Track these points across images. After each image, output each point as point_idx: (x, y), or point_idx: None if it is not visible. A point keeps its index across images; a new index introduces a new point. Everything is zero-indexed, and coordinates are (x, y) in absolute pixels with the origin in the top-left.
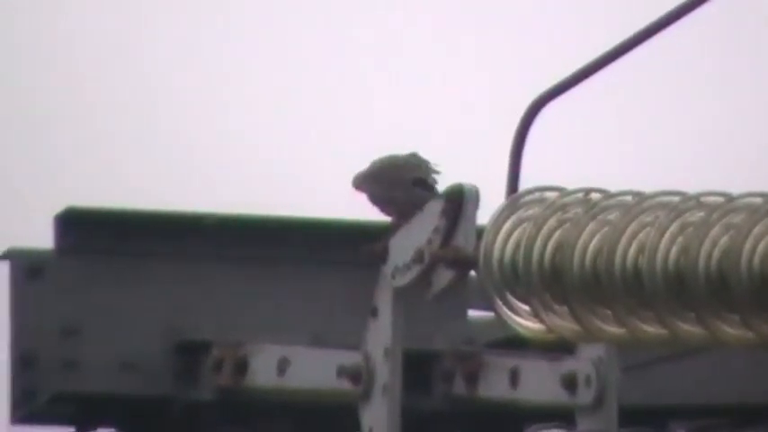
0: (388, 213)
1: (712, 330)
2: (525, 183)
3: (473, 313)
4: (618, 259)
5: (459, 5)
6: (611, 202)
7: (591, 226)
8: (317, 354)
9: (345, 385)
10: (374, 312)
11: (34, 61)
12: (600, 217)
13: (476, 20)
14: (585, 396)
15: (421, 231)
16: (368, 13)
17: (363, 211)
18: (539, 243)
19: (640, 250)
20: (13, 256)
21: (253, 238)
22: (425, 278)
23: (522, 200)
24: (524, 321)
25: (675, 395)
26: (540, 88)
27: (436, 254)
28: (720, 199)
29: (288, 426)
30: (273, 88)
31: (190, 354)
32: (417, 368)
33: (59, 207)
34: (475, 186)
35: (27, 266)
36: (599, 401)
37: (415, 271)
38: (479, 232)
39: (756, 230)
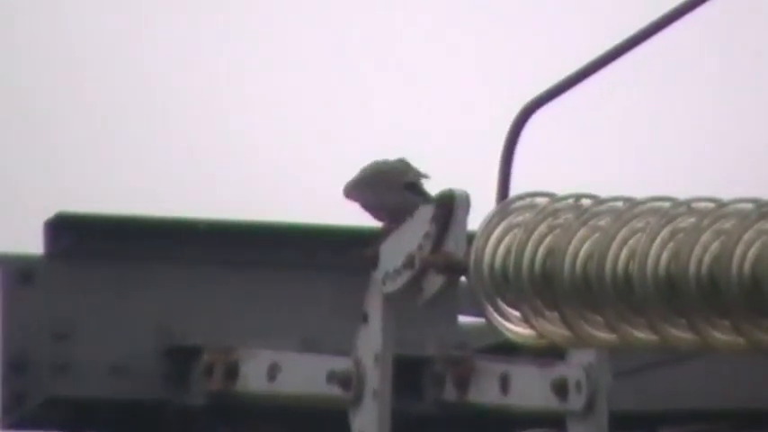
0: (380, 219)
1: (703, 336)
2: (516, 189)
3: (464, 319)
4: (609, 265)
5: (448, 14)
6: (602, 207)
7: (582, 232)
8: (308, 359)
9: (336, 391)
10: (365, 318)
11: (28, 64)
12: (591, 223)
13: (465, 26)
14: (576, 402)
15: (411, 237)
16: (357, 19)
17: (354, 216)
18: (529, 249)
19: (631, 256)
20: (4, 262)
21: (244, 243)
22: (416, 284)
23: (513, 206)
24: (515, 327)
25: (666, 401)
26: (530, 94)
27: (427, 259)
28: (711, 205)
29: (278, 431)
30: (268, 93)
31: (181, 358)
32: (408, 374)
33: (50, 212)
34: (465, 192)
35: (18, 271)
36: (589, 407)
37: (406, 276)
38: (470, 238)
39: (747, 236)
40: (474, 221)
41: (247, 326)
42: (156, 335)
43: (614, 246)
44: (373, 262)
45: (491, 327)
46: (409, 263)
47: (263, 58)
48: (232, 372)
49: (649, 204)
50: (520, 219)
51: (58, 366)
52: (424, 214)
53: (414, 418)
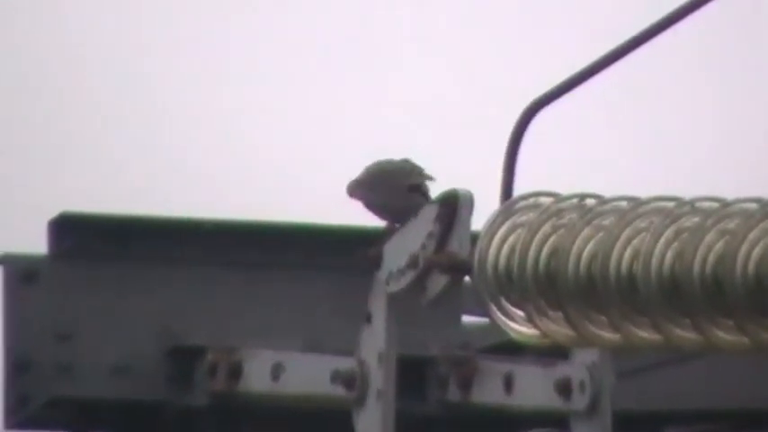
0: (383, 219)
1: (707, 336)
2: (520, 188)
3: (467, 319)
4: (613, 265)
5: (453, 13)
6: (606, 207)
7: (586, 231)
8: (312, 359)
9: (339, 391)
10: (368, 318)
11: (30, 65)
12: (595, 222)
13: (470, 26)
14: (580, 402)
15: (415, 237)
16: (360, 19)
17: (358, 216)
18: (533, 248)
19: (635, 256)
20: (7, 262)
21: (247, 243)
22: (420, 283)
23: (517, 205)
24: (519, 327)
25: (670, 401)
26: (534, 93)
27: (431, 259)
28: (715, 204)
29: (282, 431)
30: (271, 93)
31: (184, 359)
32: (411, 374)
33: (54, 212)
34: (469, 192)
35: (21, 271)
36: (593, 407)
37: (410, 276)
38: (474, 238)
39: (751, 236)
40: (478, 221)
41: (250, 326)
42: (160, 335)
43: (618, 245)
44: (377, 262)
45: (495, 326)
46: (413, 263)
47: (265, 59)
48: (235, 372)
49: (653, 204)
50: (524, 218)
51: (61, 366)
52: (428, 214)
53: (417, 418)
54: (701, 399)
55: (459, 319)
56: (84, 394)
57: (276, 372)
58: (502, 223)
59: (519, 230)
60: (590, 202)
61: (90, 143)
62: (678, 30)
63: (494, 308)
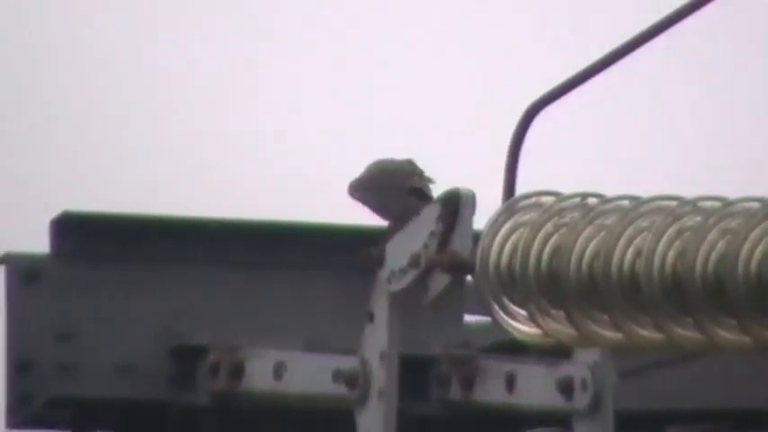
0: (384, 219)
1: (709, 335)
2: (522, 187)
3: (469, 318)
4: (615, 264)
5: (454, 10)
6: (608, 206)
7: (588, 230)
8: (313, 358)
9: (341, 390)
10: (370, 317)
11: (32, 64)
12: (597, 221)
13: (472, 24)
14: (582, 401)
15: (417, 236)
16: (363, 20)
17: (360, 215)
18: (535, 247)
19: (637, 255)
20: (9, 261)
21: (249, 242)
22: (422, 283)
23: (519, 204)
24: (521, 326)
25: (672, 400)
26: (536, 93)
27: (432, 258)
28: (717, 203)
29: (284, 430)
30: (272, 93)
31: (186, 358)
32: (413, 373)
33: (56, 212)
34: (471, 191)
35: (23, 271)
36: (595, 406)
37: (412, 276)
38: (476, 237)
39: (753, 235)
40: (480, 220)
41: (252, 325)
42: (161, 335)
43: (620, 245)
44: (379, 261)
45: (497, 326)
46: (415, 262)
47: (268, 58)
48: (237, 371)
49: (655, 203)
50: (526, 218)
51: (62, 366)
52: (430, 213)
53: (419, 418)
54: (702, 398)
55: (461, 318)
56: (86, 394)
57: (278, 371)
58: (504, 222)
59: (521, 230)
60: (592, 201)
61: (92, 142)
62: (679, 30)
63: (496, 307)
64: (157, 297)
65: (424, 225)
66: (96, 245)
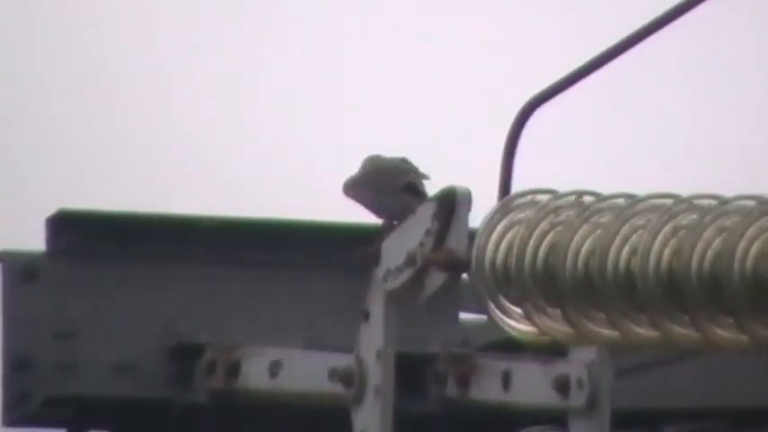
0: (380, 217)
1: (706, 333)
2: (517, 186)
3: (465, 316)
4: (611, 262)
5: (450, 7)
6: (604, 204)
7: (583, 228)
8: (310, 356)
9: (338, 388)
10: (366, 315)
11: (30, 63)
12: (592, 220)
13: (467, 21)
14: (578, 399)
15: (413, 234)
16: (361, 18)
17: (356, 214)
18: (531, 246)
19: (633, 253)
20: (6, 259)
21: (246, 241)
22: (417, 281)
23: (515, 203)
24: (517, 324)
25: (668, 398)
26: (532, 90)
27: (428, 257)
28: (713, 202)
29: (280, 428)
30: (270, 91)
31: (184, 356)
32: (410, 371)
33: (52, 209)
34: (467, 189)
35: (20, 269)
36: (591, 404)
37: (407, 274)
38: (472, 235)
39: (749, 233)
40: (476, 219)
41: (250, 324)
42: (160, 333)
43: (616, 243)
44: (375, 259)
45: (493, 324)
46: (411, 260)
47: (270, 57)
48: (234, 370)
49: (651, 201)
50: (521, 216)
51: (60, 364)
52: (426, 211)
53: (416, 416)
54: (699, 397)
55: (457, 316)
56: (84, 392)
57: (274, 369)
58: (499, 220)
59: (517, 228)
60: (588, 199)
61: (89, 140)
62: (676, 26)
63: (492, 305)
64: (156, 295)
65: (420, 223)
66: (93, 243)
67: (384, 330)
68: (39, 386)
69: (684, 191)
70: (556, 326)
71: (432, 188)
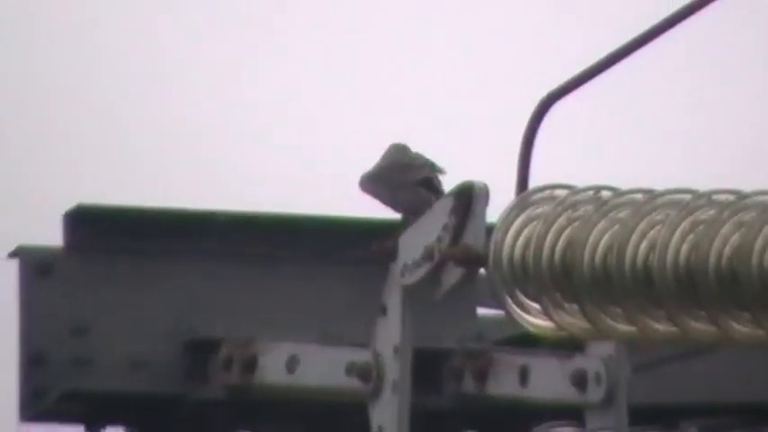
0: (396, 212)
1: (723, 328)
2: (535, 181)
3: (483, 311)
4: (628, 257)
5: (469, 4)
6: (622, 199)
7: (601, 224)
8: (327, 351)
9: (355, 383)
10: (383, 310)
11: (45, 59)
12: (610, 215)
13: (486, 16)
14: (595, 394)
15: (430, 229)
16: (375, 9)
17: (373, 208)
18: (549, 241)
19: (651, 248)
20: (23, 254)
21: (262, 235)
22: (435, 276)
23: (532, 198)
24: (534, 319)
25: (686, 393)
26: (549, 86)
27: (446, 252)
28: (731, 197)
29: (297, 424)
30: (286, 85)
31: (199, 352)
32: (427, 366)
33: (69, 205)
34: (484, 184)
35: (36, 264)
36: (609, 399)
37: (425, 269)
38: (489, 230)
39: (767, 228)
40: (493, 214)
41: (266, 319)
42: (175, 328)
43: (634, 238)
44: (392, 254)
45: (510, 319)
46: (428, 255)
47: (280, 51)
48: (250, 365)
49: (669, 196)
50: (539, 211)
51: (76, 360)
52: (444, 206)
53: (433, 411)
54: (716, 391)
55: (474, 311)
56: (99, 387)
57: (291, 364)
58: (517, 216)
59: (534, 223)
60: (605, 194)
61: (106, 136)
62: (693, 22)
63: (509, 300)
64: (171, 291)
65: (438, 218)
66: (109, 238)
67: (401, 325)
68: (54, 382)
69: (703, 186)
70: (573, 321)
71: (449, 184)
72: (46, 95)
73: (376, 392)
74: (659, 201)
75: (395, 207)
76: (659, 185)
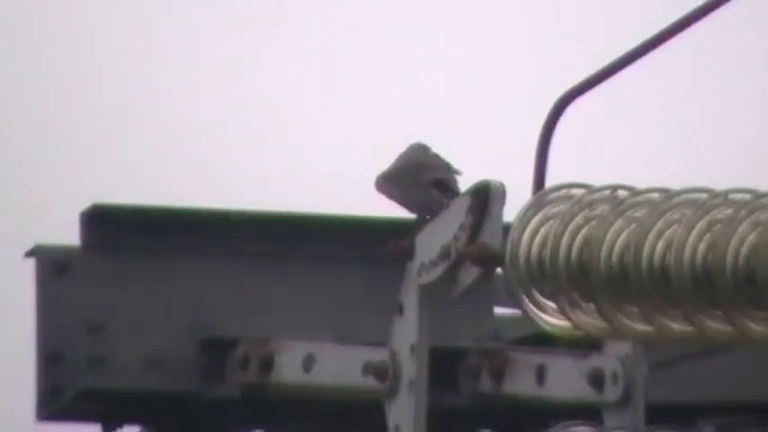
0: (411, 212)
1: (739, 327)
2: (552, 180)
3: (499, 310)
4: (645, 256)
5: (484, 2)
6: (639, 199)
7: (618, 223)
8: (343, 351)
9: (371, 382)
10: (400, 309)
11: (58, 58)
12: (627, 214)
13: (503, 15)
14: (612, 393)
15: (447, 228)
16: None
17: (389, 207)
18: (565, 240)
19: (668, 247)
20: (40, 253)
21: (279, 234)
22: (452, 275)
23: (549, 197)
24: (551, 318)
25: (703, 392)
26: (566, 85)
27: (462, 251)
28: (748, 196)
29: (313, 423)
30: (283, 87)
31: (216, 350)
32: (443, 365)
33: (85, 204)
34: (501, 183)
35: (53, 263)
36: (626, 398)
37: (442, 268)
38: (506, 229)
39: None
40: (510, 212)
41: (282, 318)
42: (192, 327)
43: (651, 237)
44: (409, 253)
45: (527, 318)
46: (445, 254)
47: (280, 51)
48: (267, 364)
49: (686, 196)
50: (556, 210)
51: (92, 358)
52: (460, 205)
53: (449, 410)
54: (734, 390)
55: (491, 310)
56: (116, 386)
57: (308, 363)
58: (534, 215)
59: (551, 222)
60: (622, 193)
61: (123, 135)
62: (710, 21)
63: (526, 299)
64: (187, 289)
65: (454, 217)
66: (126, 237)
67: (418, 324)
68: (71, 380)
69: (719, 185)
70: (590, 320)
71: (465, 183)
72: (61, 94)
73: (392, 391)
74: (676, 200)
75: (408, 207)
76: (676, 185)
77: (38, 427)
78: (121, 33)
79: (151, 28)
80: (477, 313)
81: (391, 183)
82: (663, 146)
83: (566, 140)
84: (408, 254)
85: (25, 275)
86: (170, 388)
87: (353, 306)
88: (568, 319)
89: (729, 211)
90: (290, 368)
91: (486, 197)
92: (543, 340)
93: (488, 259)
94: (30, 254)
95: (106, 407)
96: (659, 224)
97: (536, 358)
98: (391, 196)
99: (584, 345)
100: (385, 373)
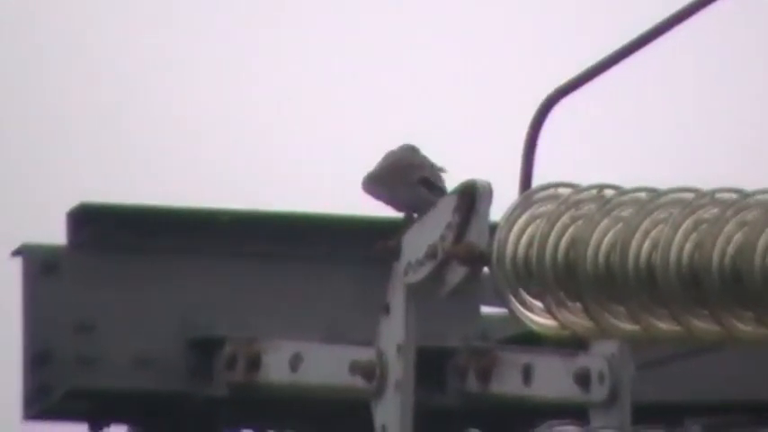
0: (398, 212)
1: (726, 327)
2: (538, 179)
3: (486, 310)
4: (632, 256)
5: (472, 2)
6: (625, 198)
7: (604, 222)
8: (330, 350)
9: (358, 382)
10: (387, 309)
11: (49, 59)
12: (614, 213)
13: (488, 15)
14: (599, 393)
15: (434, 228)
16: (377, 7)
17: (376, 207)
18: (552, 239)
19: (654, 247)
20: (27, 252)
21: (266, 234)
22: (438, 275)
23: (536, 196)
24: (537, 318)
25: (690, 392)
26: (553, 84)
27: (449, 250)
28: (734, 195)
29: (301, 422)
30: (287, 86)
31: (204, 350)
32: (430, 365)
33: (73, 203)
34: (488, 182)
35: (41, 262)
36: (612, 398)
37: (428, 267)
38: (492, 229)
39: None
40: (497, 212)
41: (270, 317)
42: (179, 326)
43: (637, 236)
44: (396, 253)
45: (514, 317)
46: (432, 254)
47: (280, 51)
48: (254, 363)
49: (672, 195)
50: (542, 209)
51: (80, 358)
52: (447, 205)
53: (436, 409)
54: (721, 390)
55: (477, 310)
56: (104, 385)
57: (295, 363)
58: (520, 214)
59: (537, 221)
60: (609, 192)
61: (109, 134)
62: (698, 20)
63: (512, 299)
64: (175, 289)
65: (441, 216)
66: (113, 236)
67: (405, 324)
68: (59, 380)
69: (706, 185)
70: (576, 320)
71: (452, 182)
72: (49, 94)
73: (379, 391)
74: (662, 199)
75: (395, 206)
76: (662, 184)
77: (24, 427)
78: (121, 33)
79: (151, 28)
80: (464, 313)
81: (378, 183)
82: (650, 145)
83: (552, 140)
84: (395, 253)
85: (12, 275)
86: (158, 387)
87: (341, 305)
88: (555, 318)
89: (716, 210)
90: (277, 367)
91: (472, 196)
92: (530, 340)
93: (475, 259)
94: (16, 253)
95: (94, 406)
96: (646, 223)
97: (523, 358)
98: (378, 197)
99: (571, 344)
100: (372, 372)
